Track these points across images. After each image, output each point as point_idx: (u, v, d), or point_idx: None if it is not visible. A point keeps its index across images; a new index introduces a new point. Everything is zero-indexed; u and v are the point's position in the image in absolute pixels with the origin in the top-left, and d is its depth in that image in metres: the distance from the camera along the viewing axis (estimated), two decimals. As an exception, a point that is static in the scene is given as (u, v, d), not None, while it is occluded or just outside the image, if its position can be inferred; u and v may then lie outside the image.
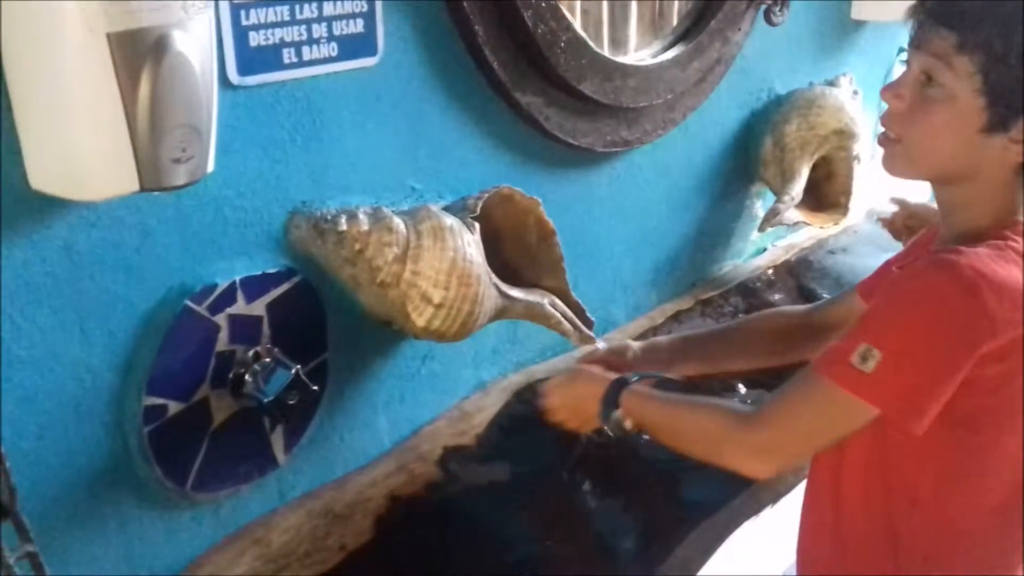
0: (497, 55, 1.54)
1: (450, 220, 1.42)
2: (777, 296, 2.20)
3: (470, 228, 1.45)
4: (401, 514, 1.44)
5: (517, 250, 1.61)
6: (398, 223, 1.39)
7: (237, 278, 1.30)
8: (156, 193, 1.11)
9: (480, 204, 1.48)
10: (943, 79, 1.11)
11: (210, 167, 1.12)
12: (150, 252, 1.22)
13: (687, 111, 1.96)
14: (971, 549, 1.22)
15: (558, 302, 1.60)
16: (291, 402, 1.30)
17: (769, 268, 2.28)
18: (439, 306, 1.39)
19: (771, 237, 2.38)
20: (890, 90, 1.17)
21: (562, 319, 1.59)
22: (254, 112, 1.28)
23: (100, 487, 1.24)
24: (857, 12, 2.37)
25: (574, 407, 1.39)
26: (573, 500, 1.52)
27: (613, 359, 1.49)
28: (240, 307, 1.31)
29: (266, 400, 1.28)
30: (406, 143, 1.49)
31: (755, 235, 2.32)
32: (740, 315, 2.07)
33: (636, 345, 1.53)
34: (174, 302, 1.25)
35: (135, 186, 1.04)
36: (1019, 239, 1.13)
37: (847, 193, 2.26)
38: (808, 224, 2.24)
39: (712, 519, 1.47)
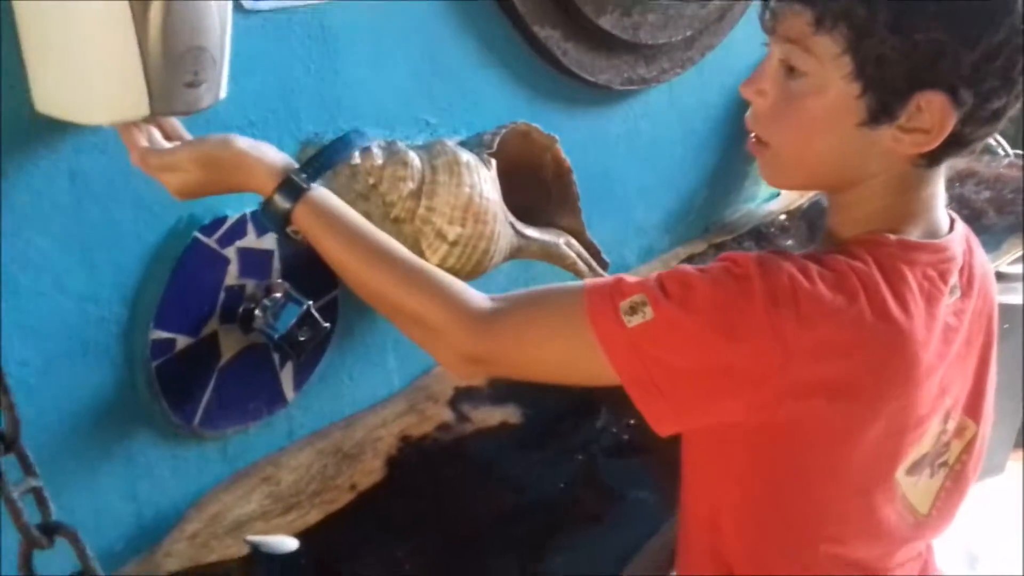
0: (516, -15, 1.49)
1: (466, 156, 1.38)
2: (790, 242, 2.17)
3: (486, 164, 1.41)
4: (412, 454, 1.42)
5: (533, 188, 1.56)
6: (413, 157, 1.35)
7: (248, 211, 1.26)
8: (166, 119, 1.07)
9: (497, 140, 1.43)
10: (805, 66, 0.92)
11: (223, 93, 1.07)
12: (158, 183, 1.18)
13: (705, 50, 1.91)
14: None
15: (574, 242, 1.56)
16: (302, 338, 1.27)
17: (783, 213, 2.24)
18: (454, 243, 1.36)
19: (785, 182, 2.34)
20: (750, 85, 0.99)
21: (577, 260, 1.56)
22: (267, 38, 1.23)
23: (106, 422, 1.21)
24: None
25: (208, 173, 1.03)
26: (587, 445, 1.50)
27: None
28: (250, 240, 1.27)
29: (277, 336, 1.25)
30: (421, 76, 1.44)
31: (769, 180, 2.27)
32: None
33: None
34: (183, 234, 1.21)
35: (145, 111, 0.99)
36: (872, 266, 0.92)
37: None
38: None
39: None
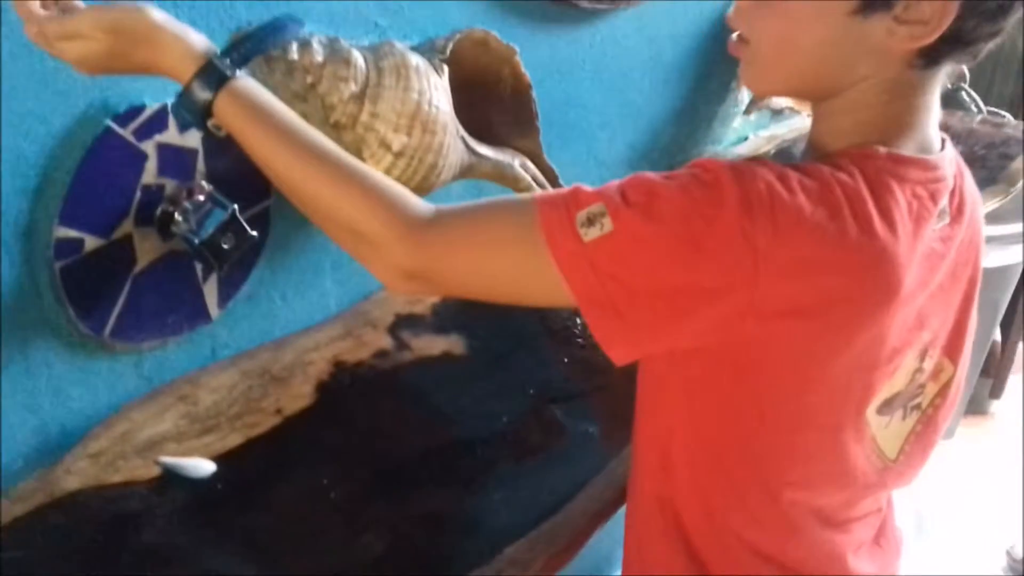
0: None
1: (416, 59, 1.27)
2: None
3: (438, 71, 1.30)
4: (345, 381, 1.32)
5: (488, 104, 1.46)
6: (357, 57, 1.24)
7: (169, 101, 1.14)
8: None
9: (451, 45, 1.32)
10: None
11: (142, -41, 0.95)
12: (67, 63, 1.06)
13: (679, -25, 1.80)
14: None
15: (529, 164, 1.46)
16: (226, 246, 1.15)
17: (751, 157, 2.15)
18: (399, 154, 1.25)
19: (753, 126, 2.25)
20: None
21: (532, 183, 1.46)
22: (198, -90, 1.11)
23: (6, 327, 1.10)
24: None
25: (117, 45, 0.91)
26: (534, 379, 1.40)
27: None
28: (171, 136, 1.15)
29: (198, 241, 1.14)
30: (373, -30, 1.33)
31: (738, 121, 2.18)
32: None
33: None
34: (95, 121, 1.09)
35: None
36: (859, 180, 0.82)
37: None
38: (796, 112, 2.11)
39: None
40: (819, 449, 0.94)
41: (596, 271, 0.81)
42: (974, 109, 2.52)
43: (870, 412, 0.94)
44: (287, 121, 0.93)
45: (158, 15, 0.92)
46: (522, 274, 0.86)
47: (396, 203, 0.89)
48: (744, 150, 2.19)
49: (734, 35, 0.92)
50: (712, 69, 2.04)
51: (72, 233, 1.10)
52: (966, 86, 2.43)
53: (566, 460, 1.23)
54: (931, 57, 0.85)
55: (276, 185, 0.95)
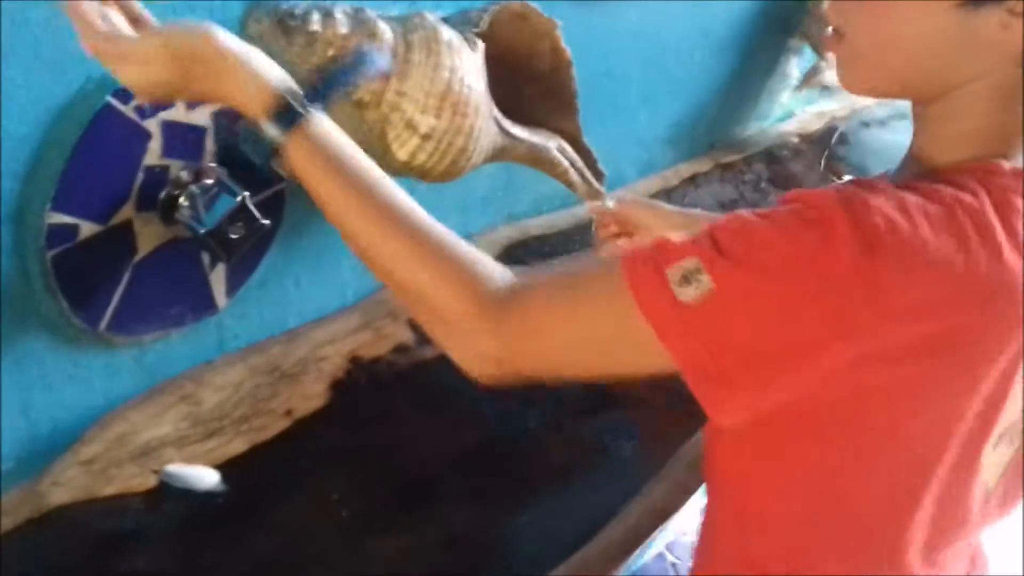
0: None
1: (448, 33, 1.16)
2: (802, 167, 1.96)
3: (472, 46, 1.18)
4: (362, 379, 1.22)
5: (524, 81, 1.34)
6: (384, 29, 1.12)
7: (178, 77, 1.03)
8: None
9: (487, 19, 1.21)
10: None
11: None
12: (64, 31, 0.95)
13: (734, -62, 1.67)
14: None
15: (567, 147, 1.35)
16: (234, 236, 1.05)
17: (797, 135, 2.03)
18: (426, 137, 1.14)
19: (801, 102, 2.12)
20: None
21: (570, 168, 1.35)
22: None
23: (-7, 318, 1.01)
24: None
25: (180, 71, 0.81)
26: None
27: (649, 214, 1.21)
28: (179, 112, 1.05)
29: (202, 231, 1.04)
30: (403, -68, 1.21)
31: (786, 96, 2.06)
32: (764, 184, 1.84)
33: (672, 209, 1.28)
34: (93, 97, 0.99)
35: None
36: (984, 201, 0.72)
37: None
38: (850, 89, 1.97)
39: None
40: (938, 497, 0.83)
41: (699, 336, 0.71)
42: None
43: (987, 448, 0.83)
44: (362, 173, 0.84)
45: (227, 41, 0.83)
46: (616, 346, 0.76)
47: (476, 279, 0.79)
48: (791, 127, 2.07)
49: (829, 29, 0.81)
50: (762, 41, 1.91)
51: (66, 219, 1.00)
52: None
53: (597, 478, 1.14)
54: None
55: (346, 242, 0.85)
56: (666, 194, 1.73)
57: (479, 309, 0.77)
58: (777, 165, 1.90)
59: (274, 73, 0.84)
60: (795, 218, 0.71)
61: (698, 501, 1.13)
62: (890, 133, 2.11)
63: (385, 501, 1.08)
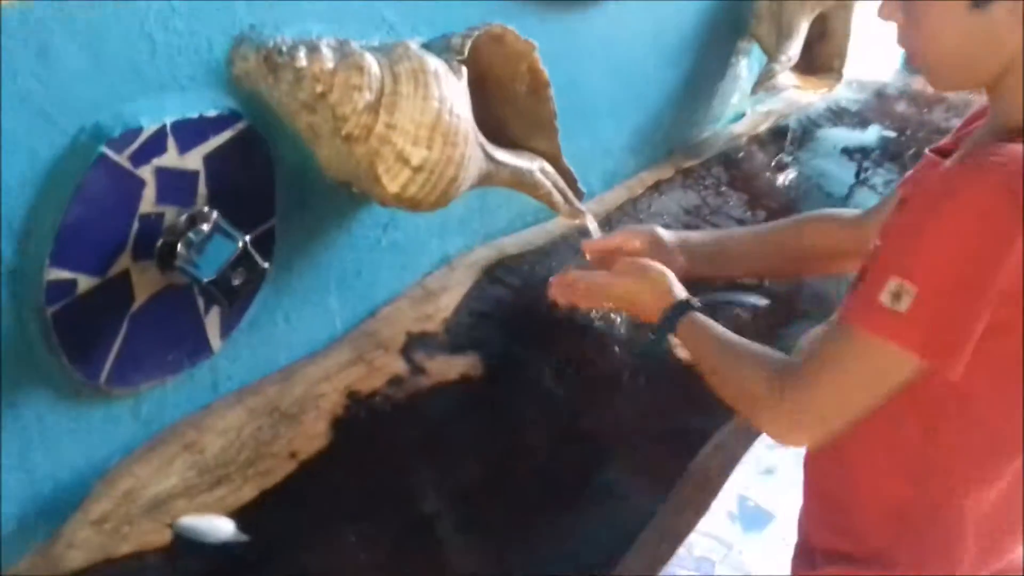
0: None
1: (434, 63, 1.15)
2: (759, 165, 1.99)
3: (457, 74, 1.18)
4: (361, 415, 1.21)
5: (502, 103, 1.34)
6: (371, 62, 1.11)
7: (168, 120, 1.01)
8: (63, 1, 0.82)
9: (468, 44, 1.20)
10: None
11: (143, -30, 0.82)
12: (55, 81, 0.93)
13: (687, -50, 1.69)
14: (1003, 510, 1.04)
15: (548, 168, 1.35)
16: (236, 283, 1.03)
17: (750, 135, 2.06)
18: (418, 169, 1.13)
19: (749, 102, 2.16)
20: (881, 10, 1.01)
21: (552, 189, 1.35)
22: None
23: (-11, 379, 0.97)
24: None
25: (632, 301, 1.18)
26: (557, 398, 1.31)
27: (649, 248, 1.30)
28: (171, 158, 1.03)
29: (205, 280, 1.01)
30: (378, -40, 1.20)
31: (736, 98, 2.09)
32: (724, 188, 1.86)
33: (667, 236, 1.31)
34: (86, 148, 0.96)
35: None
36: None
37: (842, 56, 2.05)
38: (801, 89, 2.01)
39: (724, 428, 1.27)
40: None
41: (928, 328, 0.90)
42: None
43: None
44: (713, 332, 1.10)
45: (660, 269, 1.18)
46: (878, 375, 0.94)
47: (771, 370, 1.01)
48: (742, 128, 2.10)
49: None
50: (712, 46, 1.94)
51: (64, 274, 0.97)
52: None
53: (608, 505, 1.15)
54: None
55: (704, 375, 1.10)
56: (632, 203, 1.74)
57: (778, 391, 0.98)
58: (734, 168, 1.93)
59: (670, 289, 1.16)
60: (944, 207, 0.89)
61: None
62: (841, 129, 2.16)
63: (401, 541, 1.07)
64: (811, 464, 1.15)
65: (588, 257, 1.35)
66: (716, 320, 1.12)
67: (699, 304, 1.14)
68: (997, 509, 1.03)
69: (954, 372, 0.92)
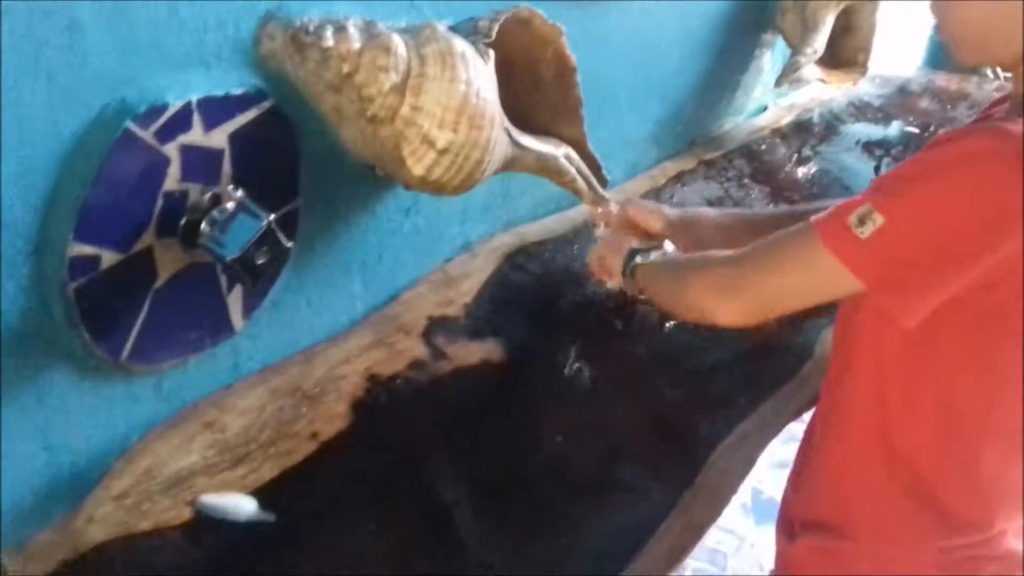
0: None
1: (461, 45, 1.14)
2: (780, 158, 1.98)
3: (484, 57, 1.17)
4: (382, 398, 1.21)
5: (528, 87, 1.33)
6: (398, 43, 1.11)
7: (193, 98, 1.01)
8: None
9: (496, 28, 1.19)
10: None
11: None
12: (81, 56, 0.92)
13: (715, -61, 1.68)
14: (966, 484, 1.05)
15: (573, 155, 1.35)
16: (260, 261, 1.03)
17: (772, 128, 2.05)
18: (443, 151, 1.13)
19: (773, 96, 2.15)
20: None
21: (577, 176, 1.34)
22: None
23: (13, 353, 0.97)
24: None
25: (602, 264, 1.26)
26: (577, 388, 1.30)
27: (642, 224, 1.30)
28: (196, 135, 1.02)
29: (229, 257, 1.01)
30: (408, -58, 1.19)
31: (758, 91, 2.08)
32: (746, 180, 1.85)
33: (671, 213, 1.30)
34: (111, 124, 0.96)
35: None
36: None
37: (866, 50, 2.03)
38: (825, 82, 2.00)
39: (745, 422, 1.26)
40: None
41: (880, 260, 0.91)
42: (990, 75, 2.44)
43: None
44: (664, 262, 1.18)
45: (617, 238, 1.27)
46: (815, 283, 0.98)
47: (719, 254, 1.07)
48: (765, 121, 2.09)
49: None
50: (737, 38, 1.92)
51: (88, 250, 0.97)
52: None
53: (626, 497, 1.14)
54: None
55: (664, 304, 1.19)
56: (655, 193, 1.73)
57: (720, 263, 1.04)
58: (756, 160, 1.92)
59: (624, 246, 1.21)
60: (945, 152, 0.90)
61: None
62: (863, 124, 2.14)
63: (419, 530, 1.07)
64: (806, 439, 1.17)
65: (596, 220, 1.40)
66: None
67: (644, 248, 1.19)
68: (965, 484, 1.04)
69: (906, 319, 0.94)
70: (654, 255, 1.20)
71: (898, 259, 0.91)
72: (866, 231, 0.91)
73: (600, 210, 1.38)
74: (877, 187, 0.94)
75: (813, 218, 0.97)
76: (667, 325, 1.40)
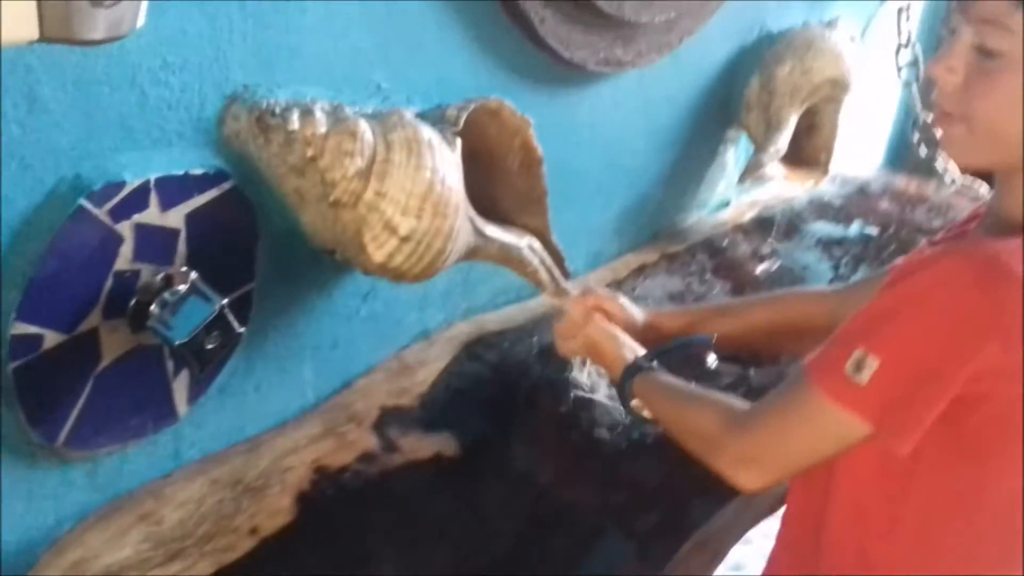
0: (500, -68, 1.24)
1: (428, 133, 1.13)
2: (742, 254, 1.98)
3: (451, 145, 1.16)
4: (329, 491, 1.16)
5: (494, 177, 1.32)
6: (364, 129, 1.09)
7: (152, 176, 0.98)
8: (57, 47, 0.79)
9: (464, 117, 1.18)
10: (1001, 45, 0.92)
11: (140, 21, 0.79)
12: (38, 128, 0.90)
13: (684, 35, 1.68)
14: None
15: (536, 245, 1.33)
16: (210, 346, 0.99)
17: (734, 224, 2.05)
18: (405, 239, 1.11)
19: (736, 190, 2.15)
20: (940, 63, 0.98)
21: (539, 267, 1.33)
22: (198, -42, 0.95)
23: (-60, 436, 0.92)
24: (853, -49, 2.13)
25: (589, 355, 1.28)
26: (531, 483, 1.27)
27: (610, 312, 1.29)
28: (152, 215, 0.99)
29: (178, 342, 0.97)
30: (378, 29, 1.18)
31: (722, 186, 2.09)
32: (708, 275, 1.84)
33: (633, 310, 1.29)
34: (65, 200, 0.93)
35: (33, 33, 0.71)
36: None
37: (828, 150, 2.04)
38: (787, 181, 2.01)
39: (704, 527, 1.23)
40: None
41: (882, 401, 0.91)
42: (948, 179, 2.48)
43: None
44: (667, 386, 1.14)
45: (608, 330, 1.24)
46: (826, 436, 0.96)
47: (725, 412, 1.04)
48: (727, 216, 2.09)
49: (941, 111, 0.99)
50: (702, 134, 1.93)
51: (31, 329, 0.93)
52: (941, 153, 2.38)
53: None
54: None
55: (666, 429, 1.14)
56: (616, 285, 1.71)
57: (731, 431, 1.01)
58: (719, 255, 1.91)
59: (621, 352, 1.20)
60: (919, 283, 0.91)
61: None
62: (825, 224, 2.16)
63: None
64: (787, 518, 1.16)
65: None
66: (677, 369, 1.17)
67: (648, 363, 1.17)
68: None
69: (902, 449, 0.93)
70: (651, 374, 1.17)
71: (899, 398, 0.91)
72: (864, 377, 0.90)
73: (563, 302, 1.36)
74: (863, 328, 0.94)
75: (810, 372, 0.96)
76: (620, 423, 1.37)
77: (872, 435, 0.93)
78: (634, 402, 1.16)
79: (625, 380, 1.17)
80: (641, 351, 1.21)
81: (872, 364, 0.90)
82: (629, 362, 1.18)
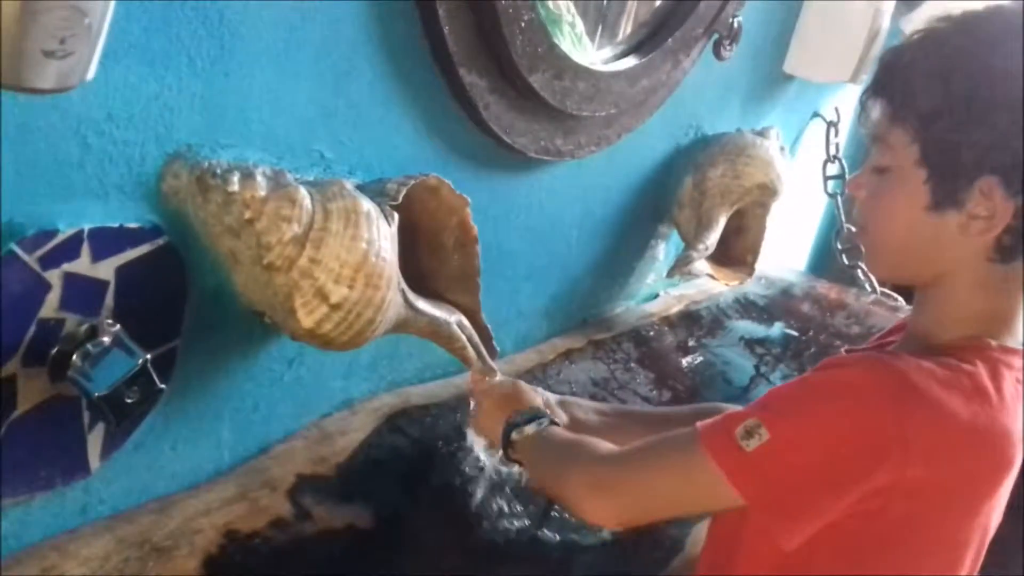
0: (451, 19, 1.27)
1: (367, 204, 1.14)
2: (667, 346, 2.02)
3: (388, 218, 1.17)
4: (237, 556, 1.14)
5: (428, 252, 1.34)
6: (304, 196, 1.10)
7: (86, 227, 0.98)
8: (4, 93, 0.79)
9: (403, 192, 1.20)
10: (888, 161, 1.00)
11: (91, 74, 0.80)
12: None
13: (623, 132, 1.74)
14: None
15: (466, 323, 1.34)
16: (129, 400, 0.98)
17: (661, 316, 2.09)
18: (336, 307, 1.11)
19: (664, 283, 2.20)
20: (852, 181, 1.07)
21: (467, 344, 1.34)
22: (151, 17, 0.97)
23: None
24: (789, 65, 2.23)
25: (487, 427, 1.30)
26: (442, 561, 1.26)
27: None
28: (83, 265, 0.99)
29: (97, 394, 0.96)
30: (324, 99, 1.20)
31: (651, 278, 2.13)
32: (633, 364, 1.87)
33: (549, 396, 1.32)
34: (-5, 243, 0.92)
35: (-20, 78, 0.72)
36: (981, 370, 0.95)
37: (755, 252, 2.11)
38: (714, 278, 2.07)
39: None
40: None
41: (761, 476, 0.92)
42: (868, 288, 2.56)
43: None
44: (546, 438, 1.18)
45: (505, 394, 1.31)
46: (696, 492, 0.98)
47: (600, 446, 1.07)
48: (655, 307, 2.14)
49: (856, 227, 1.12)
50: (635, 227, 1.99)
51: (-55, 371, 0.91)
52: (862, 265, 2.46)
53: None
54: (1005, 251, 0.96)
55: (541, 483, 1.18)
56: (541, 368, 1.73)
57: (599, 459, 1.03)
58: (644, 345, 1.95)
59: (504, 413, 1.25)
60: (831, 378, 0.93)
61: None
62: (747, 322, 2.21)
63: None
64: None
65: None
66: None
67: (520, 420, 1.20)
68: None
69: (787, 541, 0.93)
70: (529, 428, 1.19)
71: (779, 480, 0.91)
72: (751, 444, 0.91)
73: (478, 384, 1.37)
74: (766, 403, 0.95)
75: (700, 424, 0.97)
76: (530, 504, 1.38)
77: (742, 510, 0.93)
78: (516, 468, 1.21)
79: (504, 442, 1.20)
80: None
81: (762, 435, 0.90)
82: (505, 424, 1.22)
